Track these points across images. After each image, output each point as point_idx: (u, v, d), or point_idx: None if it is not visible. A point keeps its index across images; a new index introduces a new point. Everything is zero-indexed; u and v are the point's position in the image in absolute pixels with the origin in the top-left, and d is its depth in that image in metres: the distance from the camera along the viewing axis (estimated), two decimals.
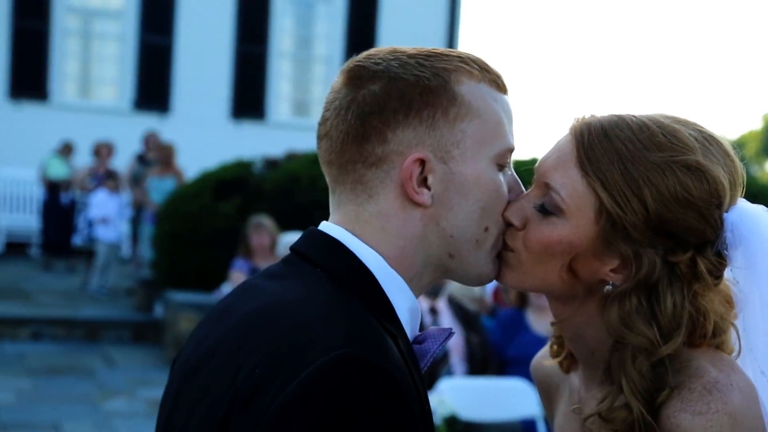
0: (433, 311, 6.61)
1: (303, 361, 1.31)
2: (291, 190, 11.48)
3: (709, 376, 1.53)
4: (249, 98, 18.54)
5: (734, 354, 1.63)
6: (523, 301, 6.85)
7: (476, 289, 7.65)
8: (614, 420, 1.55)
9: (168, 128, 16.82)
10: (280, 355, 1.34)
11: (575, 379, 1.77)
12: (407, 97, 1.48)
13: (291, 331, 1.37)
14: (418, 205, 1.49)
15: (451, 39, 19.09)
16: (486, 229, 1.53)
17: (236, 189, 11.70)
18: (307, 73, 19.50)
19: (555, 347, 1.82)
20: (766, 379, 1.58)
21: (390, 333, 1.43)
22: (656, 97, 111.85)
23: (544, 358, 1.91)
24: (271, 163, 12.65)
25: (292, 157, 13.02)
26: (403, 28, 17.10)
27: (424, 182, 1.49)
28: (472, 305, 7.29)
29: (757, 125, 67.64)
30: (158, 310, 12.04)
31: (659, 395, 1.53)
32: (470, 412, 6.00)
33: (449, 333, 1.54)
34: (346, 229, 1.51)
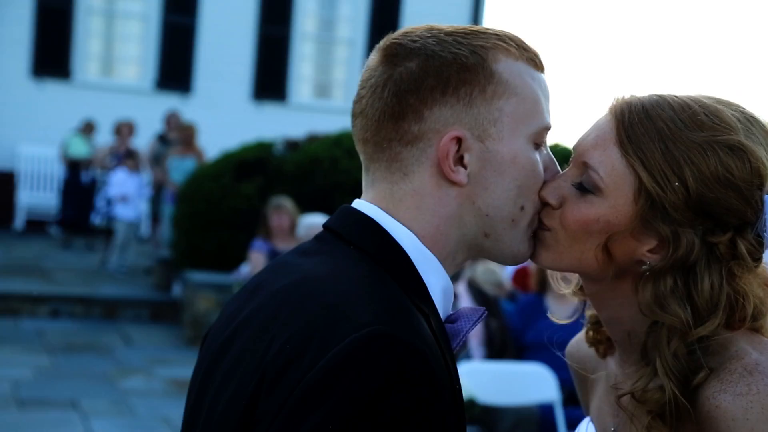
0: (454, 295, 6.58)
1: (334, 338, 1.31)
2: (312, 172, 11.48)
3: (750, 357, 1.53)
4: (271, 79, 18.52)
5: None
6: (543, 286, 6.83)
7: (497, 273, 7.63)
8: (647, 401, 1.55)
9: (189, 108, 16.86)
10: (311, 332, 1.34)
11: (612, 363, 1.77)
12: (444, 74, 1.47)
13: (322, 308, 1.37)
14: (453, 183, 1.48)
15: (476, 22, 19.00)
16: (522, 208, 1.53)
17: (257, 170, 11.70)
18: (330, 55, 19.46)
19: (591, 333, 1.81)
20: None
21: (422, 312, 1.43)
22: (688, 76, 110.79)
23: (579, 344, 1.91)
24: (292, 145, 12.64)
25: (313, 139, 13.01)
26: (428, 11, 17.00)
27: (460, 161, 1.48)
28: (491, 289, 7.26)
29: None
30: (176, 290, 12.10)
31: (695, 377, 1.52)
32: (488, 396, 6.00)
33: (482, 313, 1.54)
34: (380, 207, 1.51)
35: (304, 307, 1.39)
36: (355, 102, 1.55)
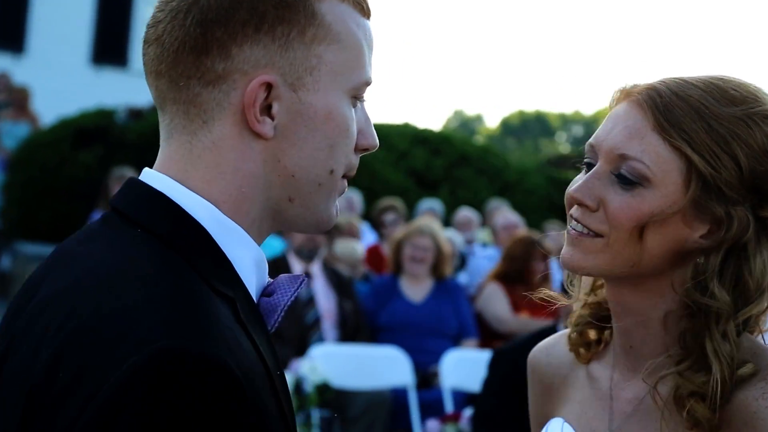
0: (308, 275, 6.48)
1: (111, 364, 1.12)
2: (156, 143, 11.07)
3: None
4: (111, 43, 17.88)
5: None
6: (397, 268, 6.82)
7: (355, 253, 7.57)
8: (691, 381, 1.50)
9: (22, 70, 16.04)
10: (85, 355, 1.15)
11: (597, 368, 1.72)
12: (260, 8, 1.29)
13: (98, 322, 1.17)
14: (258, 136, 1.30)
15: None
16: (331, 172, 1.36)
17: (97, 138, 11.29)
18: None
19: (575, 335, 1.74)
20: None
21: (226, 298, 1.27)
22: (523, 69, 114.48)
23: (549, 350, 1.84)
24: (135, 114, 12.23)
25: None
26: None
27: (267, 110, 1.30)
28: (347, 270, 7.20)
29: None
30: (5, 262, 11.60)
31: (743, 366, 1.50)
32: (342, 379, 5.93)
33: (301, 280, 1.39)
34: (172, 175, 1.32)
35: (79, 320, 1.18)
36: (150, 26, 1.33)
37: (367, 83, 1.39)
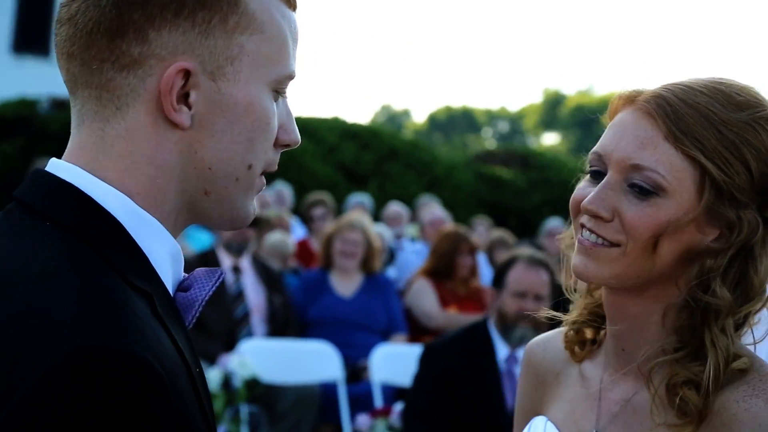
0: (237, 270, 6.43)
1: (22, 370, 1.07)
2: None
3: None
4: (33, 32, 17.50)
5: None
6: (327, 262, 6.80)
7: (285, 246, 7.53)
8: (687, 368, 1.54)
9: None
10: None
11: (589, 368, 1.74)
12: None
13: (9, 320, 1.12)
14: (174, 125, 1.25)
15: None
16: (249, 167, 1.31)
17: (19, 129, 11.04)
18: None
19: (571, 334, 1.76)
20: None
21: (143, 293, 1.22)
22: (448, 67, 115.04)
23: (545, 344, 1.85)
24: (59, 104, 12.00)
25: None
26: None
27: (185, 99, 1.25)
28: (277, 263, 7.16)
29: (538, 99, 70.96)
30: None
31: (738, 360, 1.53)
32: (271, 374, 5.90)
33: (219, 275, 1.35)
34: (82, 166, 1.26)
35: None
36: (63, 5, 1.28)
37: (291, 77, 1.35)
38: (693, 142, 1.52)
